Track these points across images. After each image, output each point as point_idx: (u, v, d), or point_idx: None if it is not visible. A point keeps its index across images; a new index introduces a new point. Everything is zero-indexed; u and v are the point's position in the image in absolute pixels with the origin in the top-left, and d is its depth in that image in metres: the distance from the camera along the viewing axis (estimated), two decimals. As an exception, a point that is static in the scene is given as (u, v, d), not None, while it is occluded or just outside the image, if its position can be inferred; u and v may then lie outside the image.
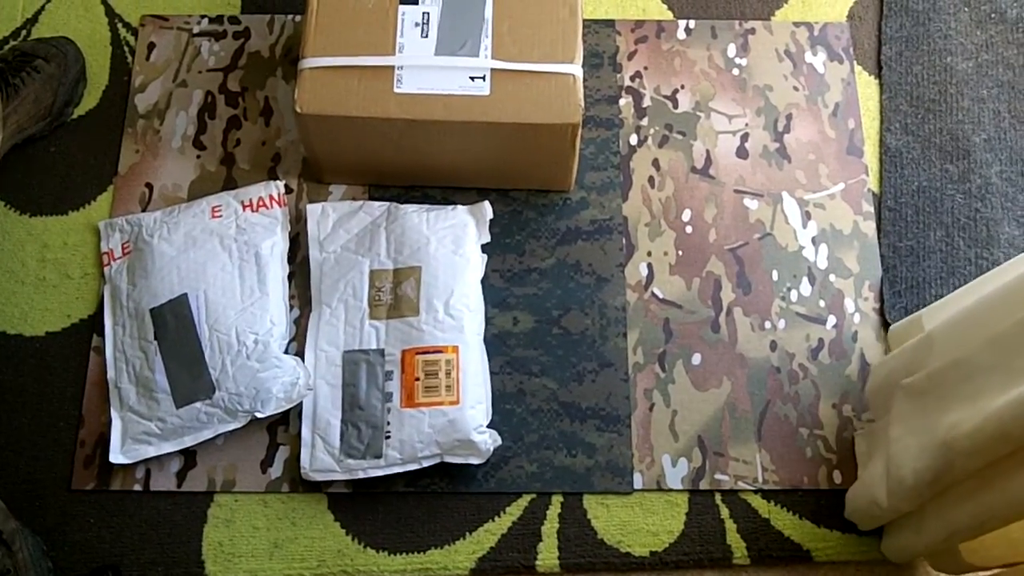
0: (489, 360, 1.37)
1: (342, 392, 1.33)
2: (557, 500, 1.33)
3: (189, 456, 1.34)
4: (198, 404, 1.30)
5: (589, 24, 1.58)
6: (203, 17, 1.59)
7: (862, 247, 1.47)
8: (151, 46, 1.57)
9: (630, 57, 1.58)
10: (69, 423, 1.36)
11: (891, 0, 1.62)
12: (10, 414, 1.36)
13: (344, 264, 1.39)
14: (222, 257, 1.37)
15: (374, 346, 1.34)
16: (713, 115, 1.54)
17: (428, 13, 1.37)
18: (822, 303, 1.43)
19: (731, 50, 1.58)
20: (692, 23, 1.60)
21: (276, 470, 1.33)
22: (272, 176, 1.49)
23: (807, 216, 1.48)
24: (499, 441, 1.31)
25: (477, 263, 1.40)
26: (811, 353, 1.41)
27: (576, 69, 1.34)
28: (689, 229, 1.47)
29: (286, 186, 1.47)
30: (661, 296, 1.43)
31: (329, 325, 1.36)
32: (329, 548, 1.30)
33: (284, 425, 1.35)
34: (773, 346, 1.41)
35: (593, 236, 1.46)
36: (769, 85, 1.56)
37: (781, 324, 1.42)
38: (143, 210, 1.47)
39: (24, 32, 1.58)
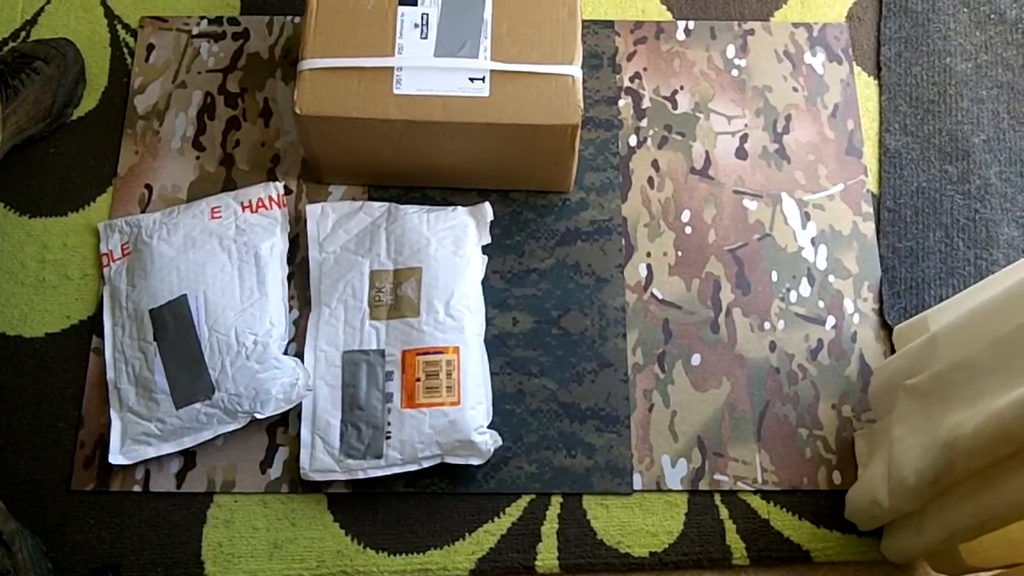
0: (489, 361, 1.37)
1: (342, 392, 1.33)
2: (557, 501, 1.33)
3: (189, 457, 1.34)
4: (197, 405, 1.31)
5: (588, 25, 1.59)
6: (202, 18, 1.59)
7: (861, 248, 1.47)
8: (150, 47, 1.57)
9: (629, 58, 1.58)
10: (69, 424, 1.36)
11: (890, 1, 1.63)
12: (10, 415, 1.36)
13: (343, 264, 1.39)
14: (221, 258, 1.37)
15: (374, 347, 1.34)
16: (712, 116, 1.54)
17: (427, 14, 1.37)
18: (821, 304, 1.43)
19: (730, 51, 1.59)
20: (691, 24, 1.60)
21: (275, 471, 1.33)
22: (271, 177, 1.49)
23: (806, 217, 1.48)
24: (499, 442, 1.31)
25: (477, 264, 1.40)
26: (810, 354, 1.41)
27: (575, 70, 1.34)
28: (688, 230, 1.47)
29: (285, 187, 1.47)
30: (660, 297, 1.43)
31: (328, 325, 1.36)
32: (329, 548, 1.30)
33: (283, 426, 1.35)
34: (772, 347, 1.41)
35: (592, 237, 1.46)
36: (768, 86, 1.56)
37: (780, 325, 1.42)
38: (142, 211, 1.47)
39: (23, 33, 1.59)
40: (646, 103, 1.55)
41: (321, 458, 1.30)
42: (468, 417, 1.29)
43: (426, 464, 1.30)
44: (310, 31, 1.36)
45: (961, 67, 1.58)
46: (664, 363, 1.40)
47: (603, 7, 1.61)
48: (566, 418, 1.36)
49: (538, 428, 1.36)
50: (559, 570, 1.30)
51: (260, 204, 1.42)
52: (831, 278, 1.45)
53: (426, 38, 1.36)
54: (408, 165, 1.43)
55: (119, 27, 1.59)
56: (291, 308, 1.40)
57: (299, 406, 1.33)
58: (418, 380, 1.30)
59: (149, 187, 1.48)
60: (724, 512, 1.33)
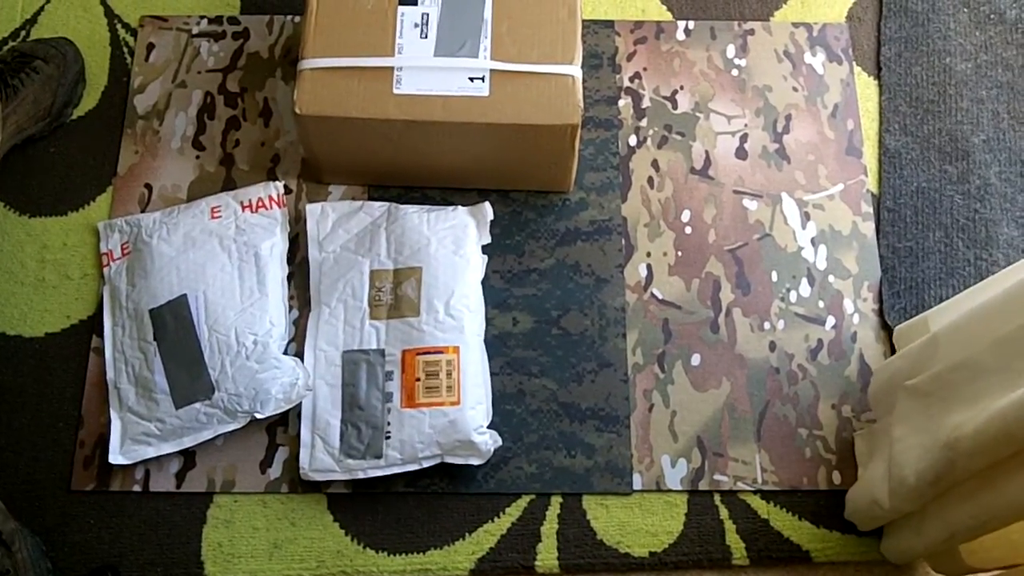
0: (489, 360, 1.37)
1: (341, 392, 1.33)
2: (556, 501, 1.33)
3: (188, 457, 1.34)
4: (197, 405, 1.30)
5: (588, 25, 1.59)
6: (202, 18, 1.59)
7: (861, 248, 1.47)
8: (150, 47, 1.57)
9: (629, 58, 1.58)
10: (68, 424, 1.35)
11: (890, 1, 1.63)
12: (10, 415, 1.36)
13: (343, 264, 1.39)
14: (221, 258, 1.37)
15: (374, 346, 1.34)
16: (712, 116, 1.54)
17: (427, 14, 1.37)
18: (821, 304, 1.43)
19: (730, 51, 1.59)
20: (691, 24, 1.60)
21: (275, 471, 1.33)
22: (271, 177, 1.49)
23: (806, 217, 1.48)
24: (499, 442, 1.31)
25: (477, 264, 1.40)
26: (810, 354, 1.41)
27: (575, 70, 1.34)
28: (688, 230, 1.47)
29: (285, 187, 1.47)
30: (660, 297, 1.43)
31: (328, 325, 1.36)
32: (328, 548, 1.30)
33: (283, 426, 1.35)
34: (772, 347, 1.41)
35: (592, 237, 1.46)
36: (768, 86, 1.56)
37: (780, 325, 1.42)
38: (142, 211, 1.47)
39: (23, 33, 1.58)
40: (646, 103, 1.55)
41: (321, 458, 1.30)
42: (468, 417, 1.29)
43: (426, 464, 1.30)
44: (310, 31, 1.36)
45: (961, 67, 1.58)
46: (664, 363, 1.40)
47: (603, 7, 1.61)
48: (566, 418, 1.36)
49: (538, 428, 1.36)
50: (559, 570, 1.30)
51: (260, 204, 1.42)
52: (831, 278, 1.45)
53: (426, 38, 1.36)
54: (408, 165, 1.43)
55: (119, 26, 1.59)
56: (291, 308, 1.40)
57: (299, 406, 1.33)
58: (418, 380, 1.30)
59: (149, 187, 1.48)
60: (724, 512, 1.33)
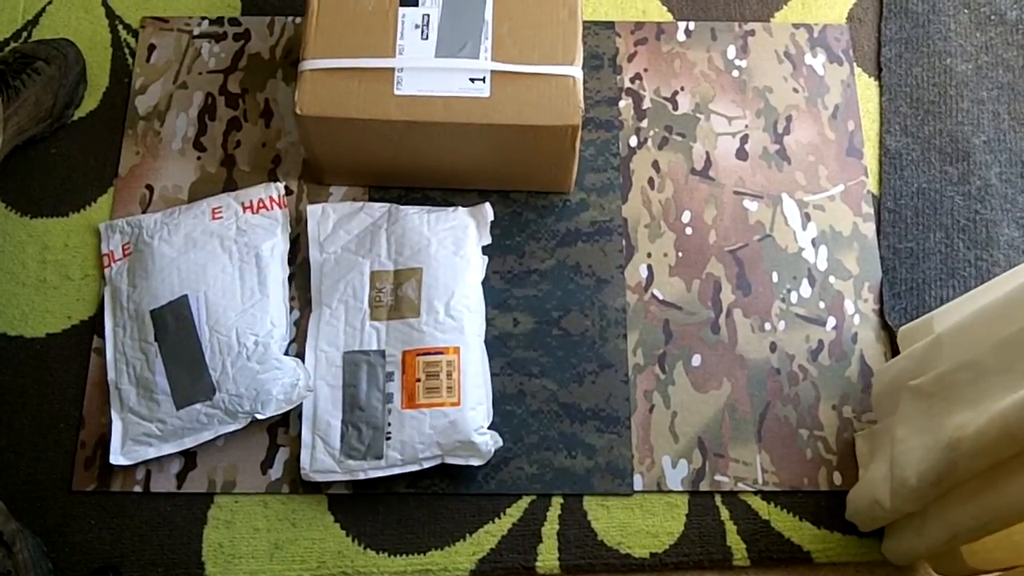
0: (489, 361, 1.37)
1: (342, 393, 1.33)
2: (557, 501, 1.33)
3: (189, 457, 1.34)
4: (198, 405, 1.31)
5: (589, 26, 1.59)
6: (203, 19, 1.59)
7: (862, 249, 1.47)
8: (151, 48, 1.57)
9: (630, 59, 1.58)
10: (69, 424, 1.36)
11: (891, 2, 1.63)
12: (11, 415, 1.36)
13: (344, 265, 1.39)
14: (222, 259, 1.37)
15: (375, 347, 1.34)
16: (713, 117, 1.54)
17: (428, 15, 1.37)
18: (822, 304, 1.43)
19: (731, 52, 1.59)
20: (692, 25, 1.60)
21: (276, 471, 1.33)
22: (272, 178, 1.49)
23: (807, 218, 1.48)
24: (500, 442, 1.31)
25: (478, 264, 1.40)
26: (811, 354, 1.41)
27: (576, 71, 1.34)
28: (689, 231, 1.47)
29: (286, 188, 1.47)
30: (661, 297, 1.43)
31: (329, 326, 1.36)
32: (329, 549, 1.30)
33: (284, 426, 1.35)
34: (773, 347, 1.41)
35: (593, 238, 1.46)
36: (769, 87, 1.56)
37: (781, 325, 1.42)
38: (143, 212, 1.47)
39: (25, 34, 1.59)
40: (647, 104, 1.55)
41: (322, 459, 1.30)
42: (468, 418, 1.29)
43: (426, 465, 1.30)
44: (311, 32, 1.36)
45: (961, 68, 1.58)
46: (665, 364, 1.40)
47: (604, 8, 1.61)
48: (566, 419, 1.36)
49: (538, 429, 1.36)
50: (559, 571, 1.30)
51: (261, 205, 1.42)
52: (832, 279, 1.45)
53: (427, 39, 1.36)
54: (409, 166, 1.43)
55: (120, 27, 1.59)
56: (292, 309, 1.41)
57: (300, 407, 1.34)
58: (418, 380, 1.30)
59: (150, 187, 1.48)
60: (725, 513, 1.33)
